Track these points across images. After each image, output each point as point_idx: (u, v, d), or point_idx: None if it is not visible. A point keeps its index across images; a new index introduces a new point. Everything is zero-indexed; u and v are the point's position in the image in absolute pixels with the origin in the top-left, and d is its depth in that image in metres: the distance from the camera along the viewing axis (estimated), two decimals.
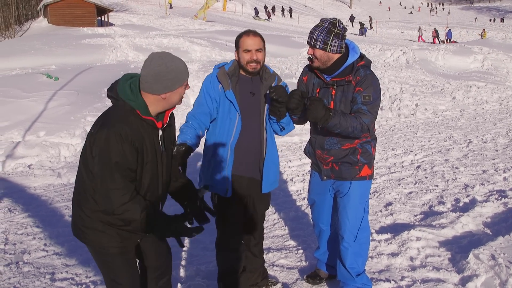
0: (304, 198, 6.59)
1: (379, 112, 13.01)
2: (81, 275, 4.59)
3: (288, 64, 18.53)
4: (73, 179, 7.72)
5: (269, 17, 59.41)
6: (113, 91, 3.00)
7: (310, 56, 3.61)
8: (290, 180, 7.51)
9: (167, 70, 2.66)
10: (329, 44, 3.46)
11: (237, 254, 3.77)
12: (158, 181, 2.89)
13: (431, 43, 41.22)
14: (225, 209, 3.72)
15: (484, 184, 6.94)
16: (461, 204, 6.19)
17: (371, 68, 3.70)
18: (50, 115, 10.20)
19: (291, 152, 9.36)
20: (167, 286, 3.29)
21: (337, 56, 3.53)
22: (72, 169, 8.06)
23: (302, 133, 10.46)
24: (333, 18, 3.56)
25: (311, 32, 3.52)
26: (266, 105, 3.66)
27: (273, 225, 5.78)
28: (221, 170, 3.65)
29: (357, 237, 3.78)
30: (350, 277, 3.85)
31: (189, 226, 2.79)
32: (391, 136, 10.69)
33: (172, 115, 2.92)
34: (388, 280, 4.29)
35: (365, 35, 40.72)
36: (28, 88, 11.71)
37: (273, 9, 65.15)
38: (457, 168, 7.88)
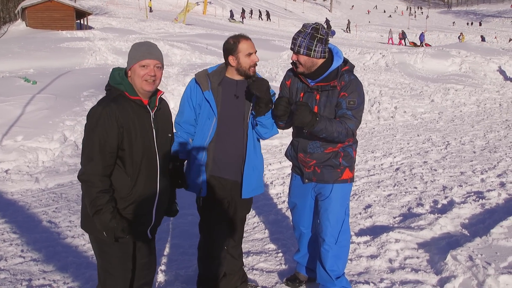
0: (284, 201, 6.59)
1: None
2: (59, 281, 4.53)
3: (268, 67, 18.55)
4: (51, 184, 7.63)
5: (242, 19, 59.64)
6: None
7: (294, 61, 3.61)
8: (270, 183, 7.51)
9: (134, 47, 3.04)
10: (312, 50, 3.49)
11: (219, 259, 3.76)
12: (153, 157, 3.05)
13: (397, 44, 41.99)
14: (208, 212, 3.70)
15: (462, 186, 7.03)
16: (439, 206, 6.25)
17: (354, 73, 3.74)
18: (28, 119, 10.05)
19: (271, 155, 9.37)
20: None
21: (321, 61, 3.56)
22: (50, 174, 7.96)
23: (282, 136, 10.46)
24: (315, 23, 3.57)
25: (294, 38, 3.53)
26: (250, 110, 3.64)
27: (253, 229, 5.78)
28: (197, 171, 3.65)
29: (338, 239, 3.80)
30: (330, 279, 3.85)
31: None
32: (370, 138, 10.77)
33: (162, 101, 3.21)
34: (367, 282, 4.31)
35: (332, 37, 40.96)
36: (5, 92, 11.53)
37: (251, 12, 65.35)
38: (435, 170, 7.97)
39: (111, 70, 3.09)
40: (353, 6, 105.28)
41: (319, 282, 3.96)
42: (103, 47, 21.25)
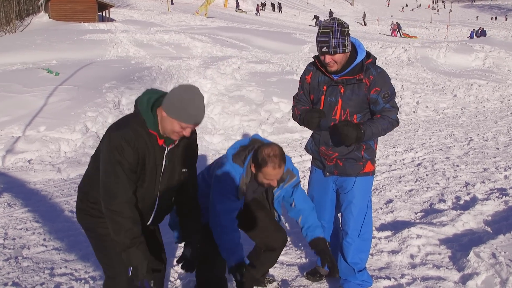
0: None
1: None
2: (80, 270, 4.58)
3: (289, 60, 18.49)
4: (72, 175, 7.71)
5: (257, 11, 59.90)
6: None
7: (328, 62, 3.54)
8: None
9: (182, 97, 2.72)
10: (346, 45, 3.47)
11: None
12: (153, 193, 2.96)
13: (390, 35, 41.84)
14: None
15: (485, 182, 6.92)
16: (461, 202, 6.17)
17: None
18: (51, 110, 10.18)
19: (292, 148, 9.34)
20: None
21: (348, 54, 3.55)
22: (72, 164, 8.05)
23: (303, 129, 10.44)
24: (332, 18, 3.53)
25: (325, 41, 3.43)
26: (272, 203, 3.84)
27: None
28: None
29: (361, 232, 3.80)
30: (352, 273, 3.84)
31: None
32: (392, 133, 10.66)
33: (191, 138, 3.07)
34: (388, 278, 4.27)
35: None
36: (28, 83, 11.68)
37: (264, 4, 65.78)
38: (458, 166, 7.87)
39: (145, 92, 2.92)
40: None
41: (341, 276, 3.95)
42: (125, 39, 21.39)
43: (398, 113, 3.74)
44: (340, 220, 3.93)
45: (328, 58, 3.49)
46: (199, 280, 3.75)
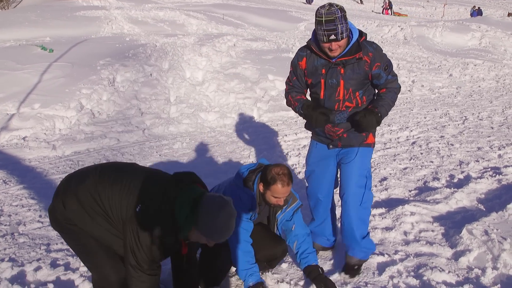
0: (299, 172, 6.60)
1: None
2: None
3: (285, 38, 18.36)
4: (67, 152, 7.70)
5: None
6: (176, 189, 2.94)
7: (334, 48, 3.59)
8: (286, 154, 7.51)
9: (218, 226, 2.80)
10: (348, 30, 3.56)
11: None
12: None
13: (382, 13, 41.60)
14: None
15: (479, 161, 6.97)
16: (455, 180, 6.21)
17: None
18: (45, 87, 10.10)
19: (287, 126, 9.34)
20: None
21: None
22: (66, 142, 8.03)
23: None
24: (330, 4, 3.55)
25: (333, 29, 3.45)
26: (276, 226, 3.94)
27: None
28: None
29: (362, 201, 3.86)
30: (355, 240, 3.91)
31: None
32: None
33: None
34: (382, 254, 4.32)
35: (311, 3, 40.55)
36: (22, 60, 11.56)
37: None
38: (452, 144, 7.90)
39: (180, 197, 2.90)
40: None
41: (345, 243, 4.01)
42: (119, 16, 21.14)
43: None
44: (340, 192, 3.96)
45: (335, 45, 3.54)
46: (202, 270, 3.79)
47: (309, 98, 4.03)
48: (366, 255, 4.03)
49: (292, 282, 3.96)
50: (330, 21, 3.43)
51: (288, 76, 4.02)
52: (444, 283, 3.78)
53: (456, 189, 5.74)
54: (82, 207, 2.91)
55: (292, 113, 10.11)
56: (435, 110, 10.79)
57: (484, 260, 4.09)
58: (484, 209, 5.21)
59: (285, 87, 4.11)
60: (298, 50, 3.93)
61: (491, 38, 21.01)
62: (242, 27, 21.86)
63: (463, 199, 5.47)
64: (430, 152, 7.55)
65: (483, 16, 32.61)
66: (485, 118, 9.90)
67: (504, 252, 4.04)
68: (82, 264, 4.20)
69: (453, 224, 4.82)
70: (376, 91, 3.92)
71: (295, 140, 8.33)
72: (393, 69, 3.86)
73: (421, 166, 6.87)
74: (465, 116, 10.02)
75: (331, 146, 3.96)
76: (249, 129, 9.22)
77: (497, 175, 6.23)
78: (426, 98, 12.54)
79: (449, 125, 9.31)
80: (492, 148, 7.64)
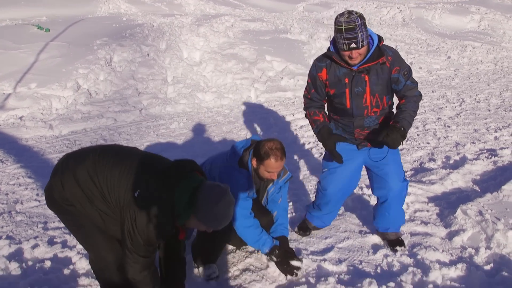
0: (295, 153, 6.62)
1: None
2: None
3: (283, 19, 18.23)
4: (64, 131, 7.70)
5: None
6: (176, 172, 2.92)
7: (355, 57, 3.54)
8: (282, 135, 7.52)
9: (219, 215, 2.83)
10: (368, 37, 3.51)
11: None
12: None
13: None
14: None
15: (475, 143, 6.98)
16: (451, 162, 6.24)
17: None
18: (41, 67, 10.06)
19: (284, 107, 9.34)
20: None
21: None
22: (63, 121, 8.03)
23: (296, 88, 10.41)
24: (349, 11, 3.48)
25: (353, 38, 3.39)
26: (266, 199, 3.91)
27: None
28: None
29: (405, 193, 4.06)
30: (398, 225, 4.19)
31: None
32: None
33: None
34: (377, 233, 4.36)
35: None
36: (18, 39, 11.48)
37: None
38: (449, 126, 7.92)
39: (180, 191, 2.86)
40: None
41: (383, 226, 4.21)
42: None
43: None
44: (382, 189, 4.03)
45: (355, 53, 3.48)
46: (199, 248, 3.83)
47: (326, 111, 4.01)
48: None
49: None
50: (350, 29, 3.37)
51: (306, 88, 3.93)
52: (438, 261, 3.82)
53: (451, 170, 5.76)
54: (80, 188, 2.90)
55: (289, 93, 10.11)
56: (433, 92, 10.79)
57: (477, 240, 4.13)
58: (479, 190, 5.24)
59: (303, 100, 4.03)
60: (315, 60, 3.83)
61: (490, 21, 20.91)
62: (240, 8, 21.70)
63: (458, 180, 5.50)
64: (427, 133, 7.57)
65: None
66: (482, 100, 9.90)
67: (498, 232, 4.07)
68: None
69: (448, 204, 4.85)
70: (396, 100, 3.87)
71: (292, 120, 8.33)
72: (413, 76, 3.81)
73: (417, 147, 6.89)
74: (463, 99, 10.02)
75: (359, 146, 3.93)
76: (246, 109, 9.22)
77: (493, 157, 6.26)
78: (423, 80, 12.52)
79: (446, 107, 9.31)
80: (488, 130, 7.65)
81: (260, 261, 3.95)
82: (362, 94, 3.67)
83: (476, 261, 3.85)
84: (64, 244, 4.26)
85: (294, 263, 3.71)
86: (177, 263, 3.32)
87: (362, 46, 3.44)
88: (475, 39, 18.25)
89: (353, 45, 3.41)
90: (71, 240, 4.32)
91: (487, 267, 3.75)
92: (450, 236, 4.25)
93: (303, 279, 3.68)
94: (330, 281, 3.53)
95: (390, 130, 3.58)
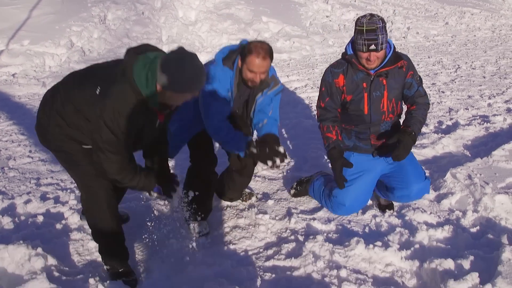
0: (289, 113, 6.63)
1: None
2: (66, 181, 4.67)
3: None
4: None
5: None
6: (129, 56, 2.78)
7: (373, 59, 3.50)
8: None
9: (187, 75, 2.63)
10: (387, 41, 3.51)
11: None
12: (142, 145, 3.10)
13: None
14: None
15: (468, 109, 7.00)
16: (443, 127, 6.26)
17: None
18: (34, 23, 9.93)
19: (279, 69, 9.30)
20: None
21: None
22: (57, 79, 7.92)
23: (291, 50, 10.34)
24: (371, 14, 3.49)
25: (373, 39, 3.39)
26: (254, 109, 3.74)
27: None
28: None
29: (425, 180, 3.96)
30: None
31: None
32: None
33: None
34: None
35: None
36: None
37: None
38: (443, 92, 7.92)
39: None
40: None
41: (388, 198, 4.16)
42: None
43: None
44: (406, 188, 3.94)
45: (373, 56, 3.47)
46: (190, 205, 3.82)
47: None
48: None
49: (277, 217, 4.05)
50: (371, 30, 3.37)
51: (319, 98, 3.85)
52: (425, 223, 3.88)
53: (443, 135, 5.79)
54: (69, 121, 2.89)
55: (284, 55, 10.04)
56: (429, 57, 10.76)
57: (465, 203, 4.18)
58: (469, 155, 5.28)
59: (316, 111, 3.93)
60: (330, 67, 3.77)
61: None
62: None
63: (449, 144, 5.53)
64: None
65: None
66: (478, 67, 9.88)
67: (486, 196, 4.12)
68: (71, 197, 4.28)
69: (438, 168, 4.90)
70: (405, 107, 3.84)
71: (286, 82, 8.31)
72: (423, 84, 3.83)
73: None
74: (458, 65, 10.00)
75: (374, 153, 3.89)
76: None
77: (485, 123, 6.28)
78: (420, 45, 12.47)
79: (441, 72, 9.30)
80: (482, 97, 7.66)
81: (250, 219, 4.00)
82: (380, 98, 3.67)
83: (463, 223, 3.90)
84: (56, 200, 4.30)
85: (278, 148, 3.46)
86: (162, 146, 3.30)
87: (381, 49, 3.43)
88: (474, 5, 18.11)
89: (372, 46, 3.40)
90: (64, 196, 4.35)
91: (473, 230, 3.81)
92: (439, 199, 4.30)
93: (292, 237, 3.73)
94: (318, 239, 3.58)
95: (401, 135, 3.57)
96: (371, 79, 3.63)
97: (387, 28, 3.48)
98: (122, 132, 2.71)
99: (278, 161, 3.42)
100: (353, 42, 3.56)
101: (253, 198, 4.35)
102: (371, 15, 3.46)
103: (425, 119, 3.75)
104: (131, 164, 2.95)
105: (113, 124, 2.66)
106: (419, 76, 3.76)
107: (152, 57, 2.71)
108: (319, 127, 3.90)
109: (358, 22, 3.44)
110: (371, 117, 3.74)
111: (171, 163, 4.92)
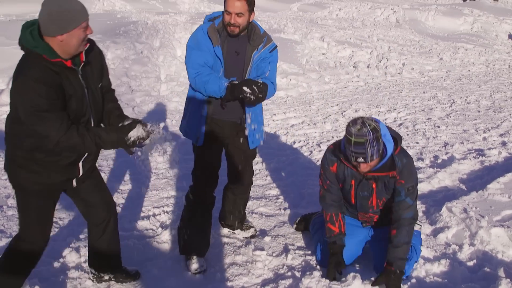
0: (286, 150, 6.68)
1: (366, 70, 13.01)
2: (65, 219, 4.67)
3: (277, 19, 18.31)
4: None
5: None
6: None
7: (364, 170, 3.40)
8: (274, 133, 7.57)
9: (60, 10, 2.64)
10: (381, 150, 3.30)
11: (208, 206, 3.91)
12: (85, 116, 2.93)
13: None
14: (202, 156, 3.82)
15: (463, 143, 7.07)
16: (439, 161, 6.32)
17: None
18: None
19: (276, 106, 9.39)
20: (114, 230, 3.50)
21: None
22: None
23: (288, 88, 10.47)
24: (362, 122, 3.23)
25: (361, 153, 3.19)
26: (250, 67, 3.61)
27: (254, 175, 5.86)
28: (197, 121, 3.73)
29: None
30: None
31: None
32: (376, 93, 10.75)
33: (93, 51, 3.03)
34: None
35: None
36: (12, 35, 11.43)
37: None
38: (438, 126, 8.00)
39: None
40: None
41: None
42: None
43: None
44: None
45: (363, 167, 3.34)
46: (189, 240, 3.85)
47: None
48: None
49: (274, 254, 4.06)
50: (359, 143, 3.17)
51: (320, 178, 3.77)
52: (422, 257, 3.89)
53: (439, 169, 5.85)
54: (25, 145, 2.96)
55: (281, 92, 10.17)
56: (424, 93, 10.89)
57: (462, 236, 4.20)
58: (465, 189, 5.32)
59: (319, 191, 3.85)
60: (327, 152, 3.68)
61: (483, 23, 21.09)
62: None
63: (445, 178, 5.58)
64: (416, 133, 7.65)
65: (476, 1, 32.56)
66: (473, 101, 10.01)
67: (481, 229, 4.15)
68: (70, 235, 4.29)
69: (434, 202, 4.93)
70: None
71: (283, 119, 8.40)
72: (416, 194, 3.58)
73: (406, 146, 6.96)
74: (453, 100, 10.12)
75: (364, 224, 3.87)
76: None
77: (480, 157, 6.35)
78: (415, 81, 12.63)
79: (436, 107, 9.41)
80: (477, 131, 7.75)
81: (247, 256, 4.01)
82: (368, 197, 3.61)
83: (460, 257, 3.92)
84: (54, 238, 4.29)
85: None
86: (113, 110, 3.19)
87: (371, 160, 3.24)
88: (468, 41, 18.41)
89: (360, 159, 3.23)
90: (62, 234, 4.36)
91: (470, 263, 3.83)
92: (435, 233, 4.32)
93: (289, 273, 3.73)
94: (315, 275, 3.59)
95: (387, 277, 3.42)
96: (360, 179, 3.54)
97: (381, 136, 3.24)
98: (47, 99, 2.64)
99: (256, 89, 3.32)
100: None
101: (252, 230, 4.38)
102: (362, 123, 3.21)
103: (410, 239, 3.50)
104: (77, 133, 2.77)
105: (34, 93, 2.62)
106: (413, 185, 3.51)
107: (32, 21, 2.76)
108: (321, 210, 3.85)
109: (348, 130, 3.23)
110: (357, 208, 3.74)
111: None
